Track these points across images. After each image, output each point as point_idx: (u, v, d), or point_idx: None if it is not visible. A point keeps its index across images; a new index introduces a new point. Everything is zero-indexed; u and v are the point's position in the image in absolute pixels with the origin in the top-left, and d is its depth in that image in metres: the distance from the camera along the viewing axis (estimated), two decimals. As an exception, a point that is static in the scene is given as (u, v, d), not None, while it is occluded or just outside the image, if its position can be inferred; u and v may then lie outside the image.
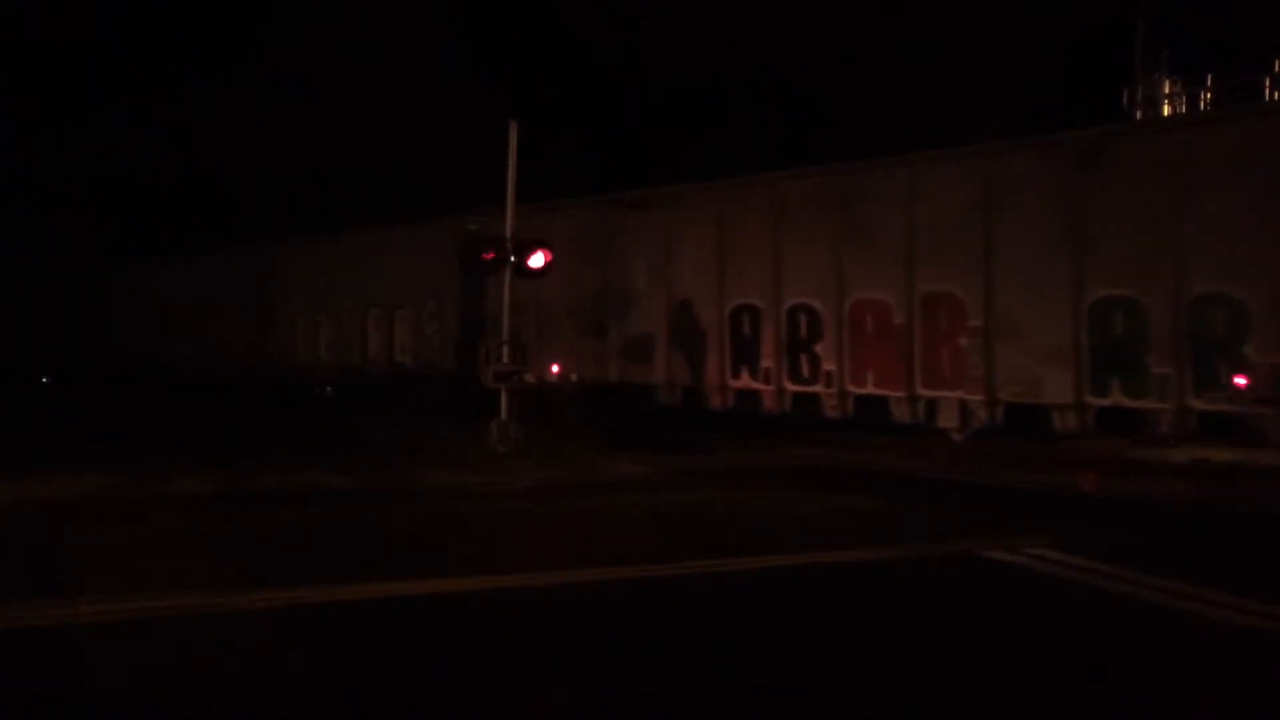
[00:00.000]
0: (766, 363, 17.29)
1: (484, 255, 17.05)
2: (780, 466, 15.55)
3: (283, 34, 34.94)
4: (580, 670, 6.17)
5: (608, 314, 19.54)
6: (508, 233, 16.93)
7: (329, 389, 27.11)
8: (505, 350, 16.88)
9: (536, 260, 16.98)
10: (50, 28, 38.04)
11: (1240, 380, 12.54)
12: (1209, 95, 24.56)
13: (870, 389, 16.07)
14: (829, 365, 16.44)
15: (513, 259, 16.86)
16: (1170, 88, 24.99)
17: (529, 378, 17.67)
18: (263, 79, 35.29)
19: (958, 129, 19.76)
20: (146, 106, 37.45)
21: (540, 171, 19.82)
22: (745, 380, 17.60)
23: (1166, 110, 24.71)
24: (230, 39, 36.96)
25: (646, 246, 19.13)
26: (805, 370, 16.81)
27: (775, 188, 17.63)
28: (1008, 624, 7.22)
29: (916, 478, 14.45)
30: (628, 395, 18.93)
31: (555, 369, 19.80)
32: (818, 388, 16.58)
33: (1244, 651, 6.57)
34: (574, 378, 19.87)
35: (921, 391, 15.50)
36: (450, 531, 10.56)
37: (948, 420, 15.20)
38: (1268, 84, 23.37)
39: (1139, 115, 24.34)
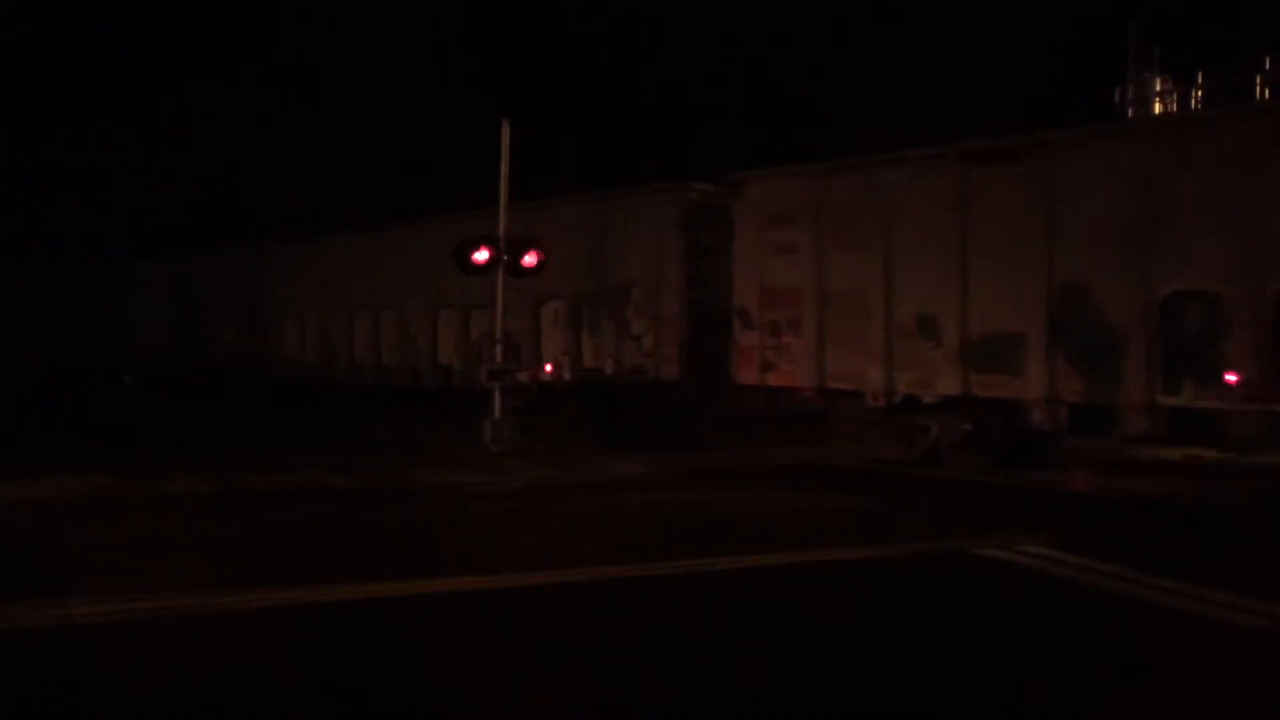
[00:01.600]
0: (1240, 373, 12.28)
1: (475, 255, 16.89)
2: (777, 465, 15.52)
3: (282, 34, 34.97)
4: (579, 670, 6.17)
5: (937, 303, 14.55)
6: (500, 231, 16.89)
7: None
8: (499, 349, 16.85)
9: (529, 260, 16.97)
10: (50, 29, 37.98)
11: (1231, 377, 12.43)
12: (1200, 94, 24.62)
13: None
14: None
15: (506, 259, 16.85)
16: (1162, 86, 25.05)
17: (523, 376, 17.55)
18: (262, 79, 35.31)
19: (953, 128, 19.73)
20: (144, 107, 37.42)
21: (540, 171, 19.45)
22: (1191, 396, 12.53)
23: (1158, 108, 24.76)
24: (228, 39, 36.96)
25: (1006, 213, 14.05)
26: None
27: (1256, 121, 12.78)
28: (1007, 623, 7.22)
29: (914, 476, 14.44)
30: (982, 414, 14.27)
31: (548, 368, 19.66)
32: None
33: (1243, 651, 6.58)
34: (567, 376, 19.68)
35: None
36: (446, 532, 10.55)
37: None
38: (1259, 82, 23.43)
39: (1130, 113, 24.39)
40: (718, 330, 17.19)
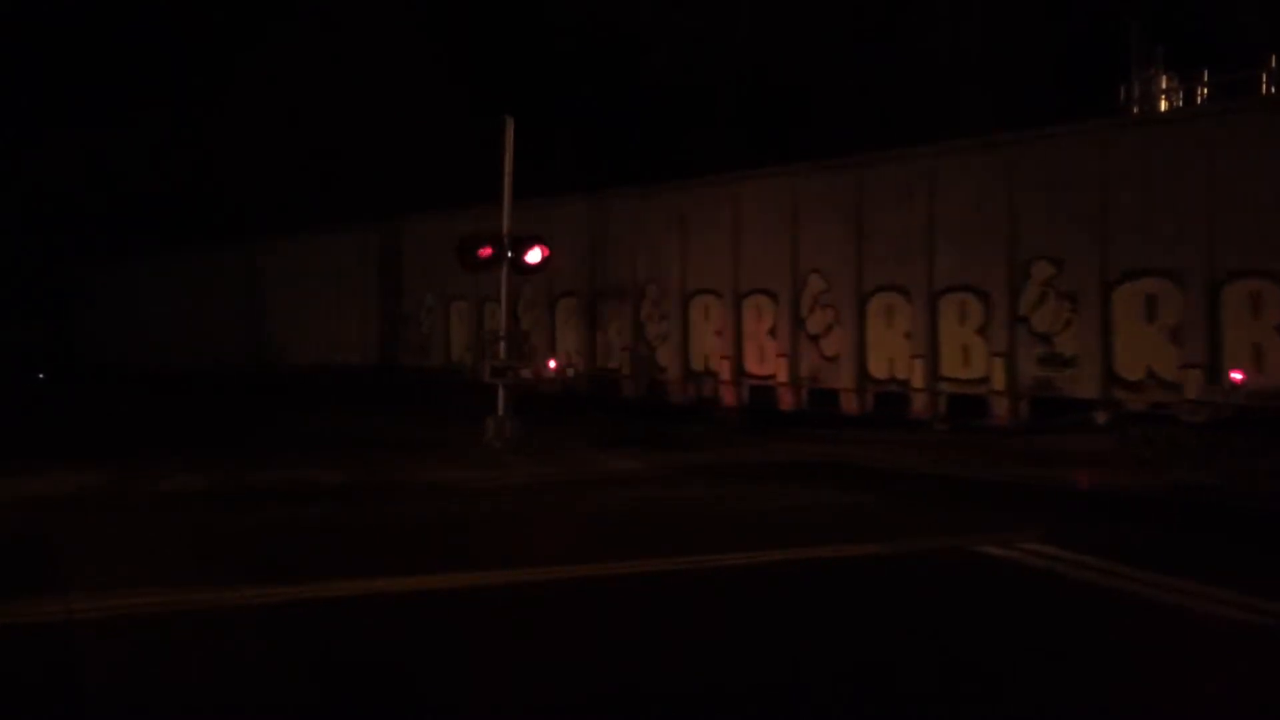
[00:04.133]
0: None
1: (479, 251, 16.91)
2: (775, 462, 15.52)
3: (280, 35, 35.03)
4: (578, 666, 6.18)
5: None
6: (505, 228, 16.91)
7: None
8: (502, 345, 16.87)
9: (533, 256, 16.99)
10: (50, 31, 38.05)
11: (1237, 376, 12.39)
12: (1204, 90, 24.58)
13: None
14: None
15: (510, 255, 16.87)
16: (1166, 83, 25.01)
17: (526, 373, 17.55)
18: (259, 81, 35.33)
19: (950, 127, 19.72)
20: (140, 108, 37.46)
21: (536, 171, 19.40)
22: None
23: (1164, 106, 24.73)
24: (226, 42, 37.02)
25: None
26: None
27: None
28: (1004, 620, 7.22)
29: (911, 473, 14.44)
30: None
31: (552, 364, 19.67)
32: None
33: (1237, 647, 6.58)
34: (570, 372, 19.68)
35: None
36: (444, 528, 10.55)
37: None
38: (1264, 79, 23.38)
39: (1135, 111, 24.37)
40: None
